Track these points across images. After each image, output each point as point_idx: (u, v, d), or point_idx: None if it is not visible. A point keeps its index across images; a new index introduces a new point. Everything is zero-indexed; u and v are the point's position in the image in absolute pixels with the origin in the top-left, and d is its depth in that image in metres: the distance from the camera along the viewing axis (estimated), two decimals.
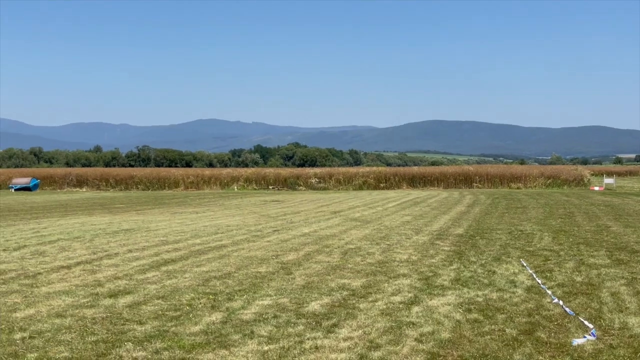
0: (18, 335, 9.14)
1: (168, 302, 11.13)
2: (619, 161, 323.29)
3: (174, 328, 9.49)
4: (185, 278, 13.44)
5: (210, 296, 11.61)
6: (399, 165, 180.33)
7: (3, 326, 9.62)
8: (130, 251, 17.52)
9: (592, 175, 77.40)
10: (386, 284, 12.67)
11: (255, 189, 64.93)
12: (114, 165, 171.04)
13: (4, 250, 17.85)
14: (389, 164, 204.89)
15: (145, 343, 8.77)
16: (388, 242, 19.16)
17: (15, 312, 10.48)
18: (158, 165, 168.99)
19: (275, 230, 22.74)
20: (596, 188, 56.74)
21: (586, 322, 9.57)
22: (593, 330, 9.12)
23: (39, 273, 14.10)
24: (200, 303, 11.07)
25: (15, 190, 64.84)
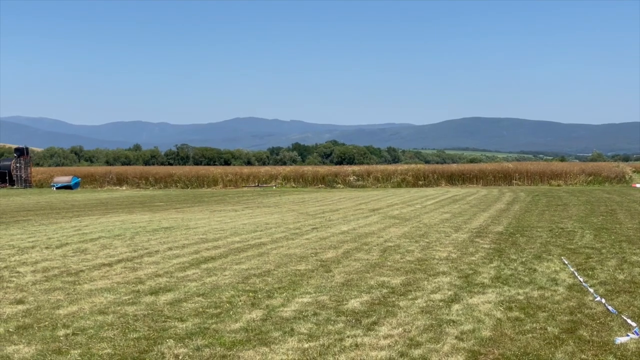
0: (61, 332, 9.27)
1: (208, 300, 11.21)
2: None
3: (214, 325, 9.55)
4: (225, 275, 13.51)
5: (250, 294, 11.66)
6: (437, 163, 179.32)
7: (47, 323, 9.76)
8: (170, 249, 17.66)
9: (634, 172, 76.28)
10: (426, 282, 12.63)
11: (293, 187, 65.04)
12: (153, 164, 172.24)
13: (47, 247, 18.10)
14: (427, 162, 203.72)
15: (187, 340, 8.84)
16: (427, 240, 19.10)
17: (58, 309, 10.62)
18: (197, 164, 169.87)
19: (314, 228, 22.77)
20: (638, 185, 55.99)
21: (629, 321, 9.45)
22: (636, 329, 9.00)
23: (81, 270, 14.28)
24: (240, 300, 11.13)
25: (56, 188, 65.71)
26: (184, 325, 9.55)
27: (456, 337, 8.86)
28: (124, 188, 68.14)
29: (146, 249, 17.73)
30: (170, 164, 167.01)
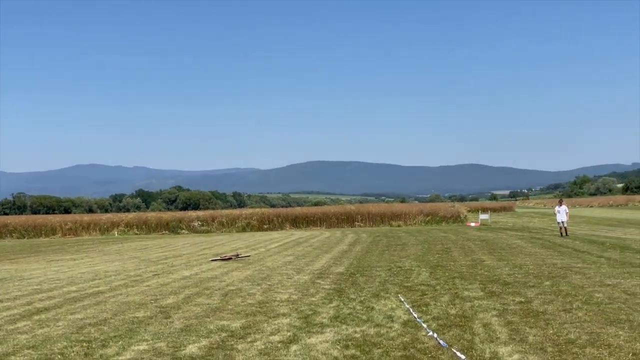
0: None
1: (39, 352, 10.75)
2: (494, 197, 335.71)
3: None
4: (59, 326, 13.02)
5: (84, 344, 11.28)
6: (282, 206, 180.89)
7: None
8: (0, 301, 16.85)
9: (469, 211, 79.70)
10: (266, 324, 12.63)
11: (136, 234, 63.70)
12: None
13: None
14: (272, 206, 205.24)
15: None
16: (269, 283, 19.14)
17: None
18: (35, 213, 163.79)
19: (155, 275, 22.36)
20: (472, 224, 58.44)
21: (458, 353, 9.80)
22: None
23: None
24: (73, 351, 10.74)
25: None
26: None
27: None
28: None
29: None
30: (6, 214, 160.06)
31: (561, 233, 37.44)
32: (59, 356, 10.44)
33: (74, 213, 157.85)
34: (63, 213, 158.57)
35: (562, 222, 37.49)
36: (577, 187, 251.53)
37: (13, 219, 72.63)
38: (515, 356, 9.67)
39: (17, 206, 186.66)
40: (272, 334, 11.72)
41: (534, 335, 10.97)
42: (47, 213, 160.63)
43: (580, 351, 9.91)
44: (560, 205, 38.35)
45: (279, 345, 10.79)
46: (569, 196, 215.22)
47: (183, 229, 64.61)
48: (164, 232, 64.63)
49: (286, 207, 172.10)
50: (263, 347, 10.69)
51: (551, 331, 11.26)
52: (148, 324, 12.98)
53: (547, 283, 17.30)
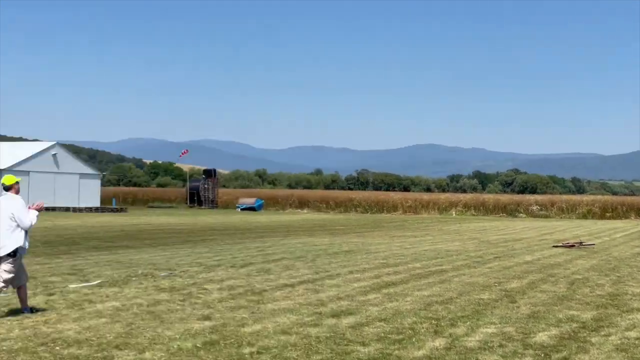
0: (246, 350, 9.35)
1: (390, 325, 11.04)
2: None
3: (397, 351, 9.36)
4: (407, 301, 13.32)
5: (433, 321, 11.40)
6: (626, 195, 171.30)
7: (232, 340, 9.91)
8: (351, 272, 17.71)
9: None
10: (619, 318, 11.91)
11: (474, 215, 63.97)
12: (334, 188, 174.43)
13: (232, 266, 18.64)
14: (614, 193, 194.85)
15: None
16: (618, 274, 18.13)
17: (243, 327, 10.78)
18: (376, 189, 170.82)
19: (496, 257, 22.21)
20: None
21: None
22: None
23: (265, 290, 14.53)
24: (423, 327, 10.89)
25: (241, 209, 68.09)
26: (366, 350, 9.42)
27: None
28: (305, 211, 69.56)
29: (327, 271, 17.87)
30: (350, 189, 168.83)
31: None
32: (409, 331, 10.64)
33: (413, 191, 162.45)
34: (402, 190, 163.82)
35: None
36: None
37: (357, 194, 76.71)
38: None
39: (360, 182, 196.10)
40: (627, 329, 10.99)
41: None
42: (387, 190, 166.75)
43: None
44: None
45: (637, 342, 10.08)
46: None
47: (521, 212, 63.82)
48: (501, 214, 64.30)
49: (630, 195, 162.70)
50: (619, 342, 10.05)
51: None
52: (494, 307, 12.83)
53: None
